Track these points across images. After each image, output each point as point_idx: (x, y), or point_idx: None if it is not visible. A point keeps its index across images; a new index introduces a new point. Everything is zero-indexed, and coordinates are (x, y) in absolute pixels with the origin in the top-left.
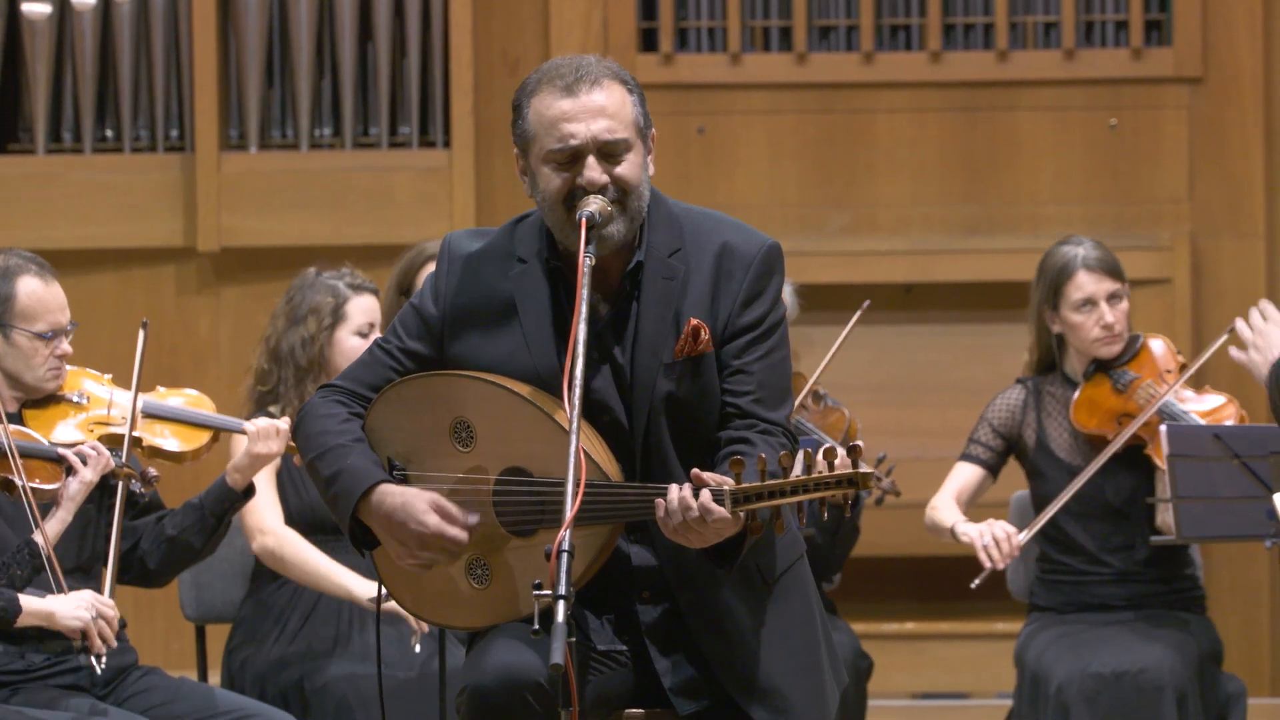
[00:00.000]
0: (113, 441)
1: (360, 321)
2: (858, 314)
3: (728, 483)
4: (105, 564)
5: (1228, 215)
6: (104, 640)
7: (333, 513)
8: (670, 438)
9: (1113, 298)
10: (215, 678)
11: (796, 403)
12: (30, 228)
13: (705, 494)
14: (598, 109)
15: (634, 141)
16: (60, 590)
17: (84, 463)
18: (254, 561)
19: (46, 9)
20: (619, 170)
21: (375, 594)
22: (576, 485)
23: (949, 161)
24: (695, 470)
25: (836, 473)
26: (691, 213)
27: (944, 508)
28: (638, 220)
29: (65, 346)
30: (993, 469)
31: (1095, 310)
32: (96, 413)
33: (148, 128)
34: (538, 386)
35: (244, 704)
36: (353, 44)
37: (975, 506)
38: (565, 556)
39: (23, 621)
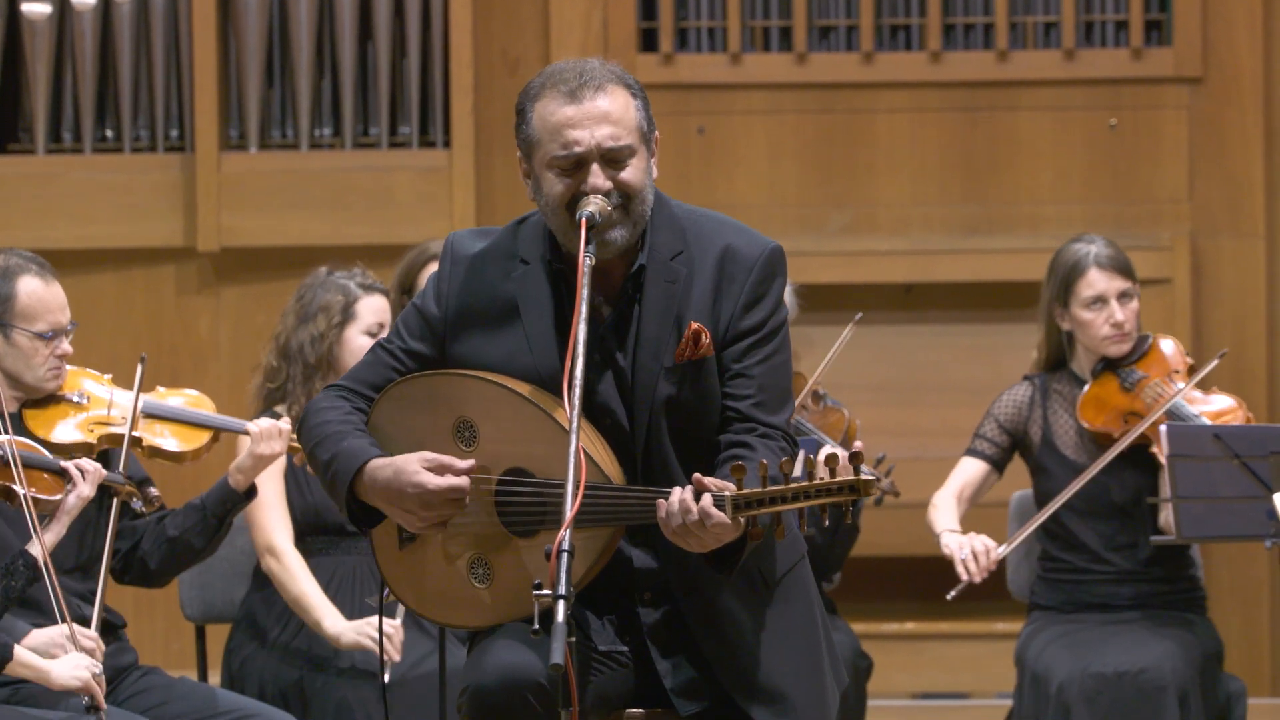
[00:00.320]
0: (112, 441)
1: (370, 321)
2: (850, 327)
3: (729, 488)
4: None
5: (1228, 215)
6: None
7: (331, 497)
8: (670, 441)
9: (1123, 296)
10: (215, 678)
11: (796, 403)
12: (30, 228)
13: (706, 498)
14: (601, 115)
15: (637, 146)
16: (57, 601)
17: (82, 478)
18: (255, 561)
19: (46, 9)
20: (623, 176)
21: (340, 635)
22: (576, 485)
23: (949, 161)
24: (697, 475)
25: (838, 479)
26: (694, 215)
27: (942, 507)
28: (641, 224)
29: (65, 346)
30: (998, 465)
31: (1106, 308)
32: (96, 413)
33: (148, 128)
34: (539, 388)
35: (244, 704)
36: (353, 44)
37: (975, 507)
38: (565, 556)
39: (15, 671)
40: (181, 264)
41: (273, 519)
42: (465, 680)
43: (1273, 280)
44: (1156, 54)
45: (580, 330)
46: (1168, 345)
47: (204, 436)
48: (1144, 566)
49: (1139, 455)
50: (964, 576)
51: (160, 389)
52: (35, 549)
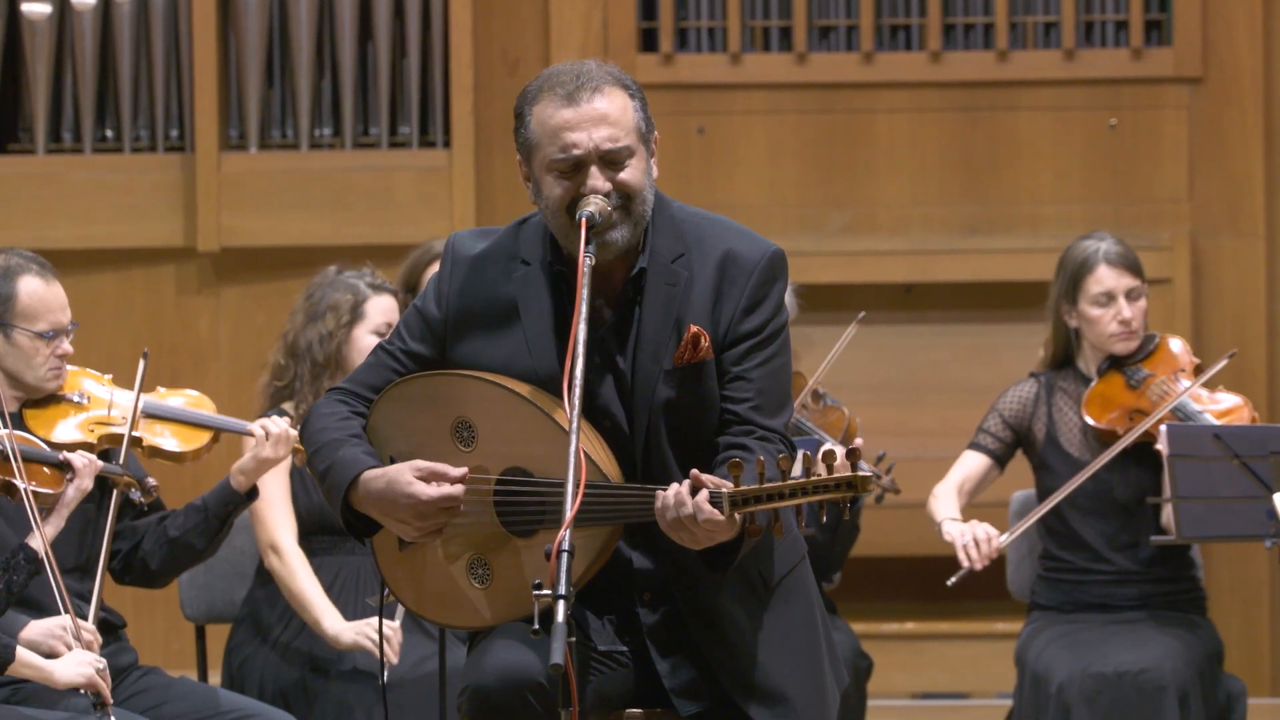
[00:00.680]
0: (112, 441)
1: (378, 321)
2: (853, 326)
3: (726, 485)
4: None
5: (1228, 215)
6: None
7: (329, 505)
8: (669, 443)
9: (1132, 294)
10: (215, 678)
11: (797, 402)
12: (30, 228)
13: (702, 494)
14: (599, 117)
15: (636, 147)
16: (60, 594)
17: (80, 469)
18: (255, 561)
19: (46, 9)
20: (622, 177)
21: (338, 635)
22: (576, 485)
23: (949, 161)
24: (694, 471)
25: (835, 476)
26: (696, 217)
27: (943, 497)
28: (641, 225)
29: (66, 346)
30: (1000, 460)
31: (1114, 305)
32: (97, 413)
33: (148, 128)
34: (539, 389)
35: (244, 704)
36: (353, 44)
37: (975, 506)
38: (565, 556)
39: (17, 671)
40: (181, 264)
41: (277, 516)
42: (465, 680)
43: (1273, 280)
44: (1156, 54)
45: (580, 330)
46: (1175, 344)
47: (204, 437)
48: (1145, 567)
49: (1143, 453)
50: (965, 563)
51: (161, 389)
52: (35, 542)
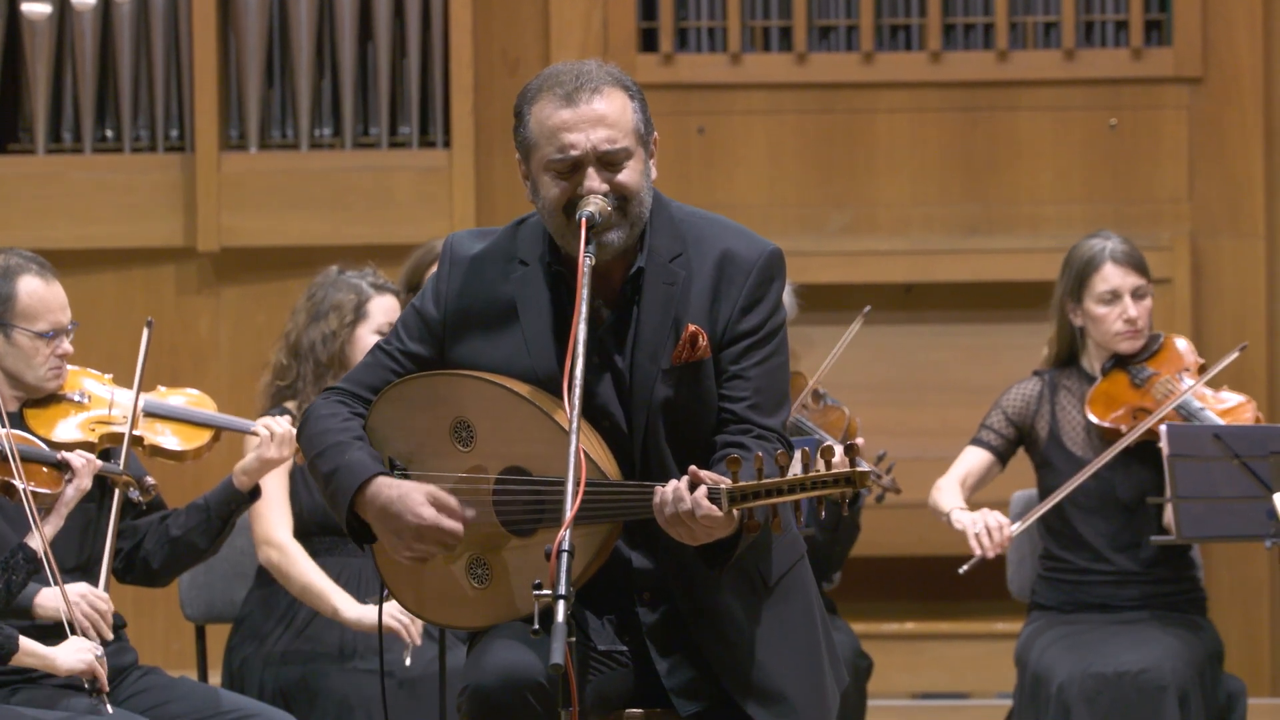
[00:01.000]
0: (113, 441)
1: (381, 321)
2: (858, 321)
3: (725, 481)
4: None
5: (1228, 215)
6: (98, 631)
7: (331, 509)
8: (668, 443)
9: (1137, 293)
10: (215, 677)
11: (798, 402)
12: (30, 228)
13: (701, 490)
14: (597, 118)
15: (634, 149)
16: (60, 594)
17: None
18: (256, 561)
19: (46, 9)
20: (620, 178)
21: (360, 619)
22: (576, 485)
23: (949, 161)
24: (693, 467)
25: (833, 471)
26: (694, 216)
27: (947, 490)
28: (639, 226)
29: (66, 346)
30: (1001, 456)
31: (1119, 304)
32: (97, 412)
33: (148, 128)
34: (538, 388)
35: (244, 704)
36: (353, 44)
37: (975, 504)
38: (565, 556)
39: (21, 661)
40: (181, 264)
41: (274, 512)
42: (465, 680)
43: (1273, 280)
44: (1156, 54)
45: (580, 330)
46: (1181, 344)
47: (205, 435)
48: (1146, 567)
49: (1146, 452)
50: (977, 551)
51: (161, 388)
52: (35, 542)
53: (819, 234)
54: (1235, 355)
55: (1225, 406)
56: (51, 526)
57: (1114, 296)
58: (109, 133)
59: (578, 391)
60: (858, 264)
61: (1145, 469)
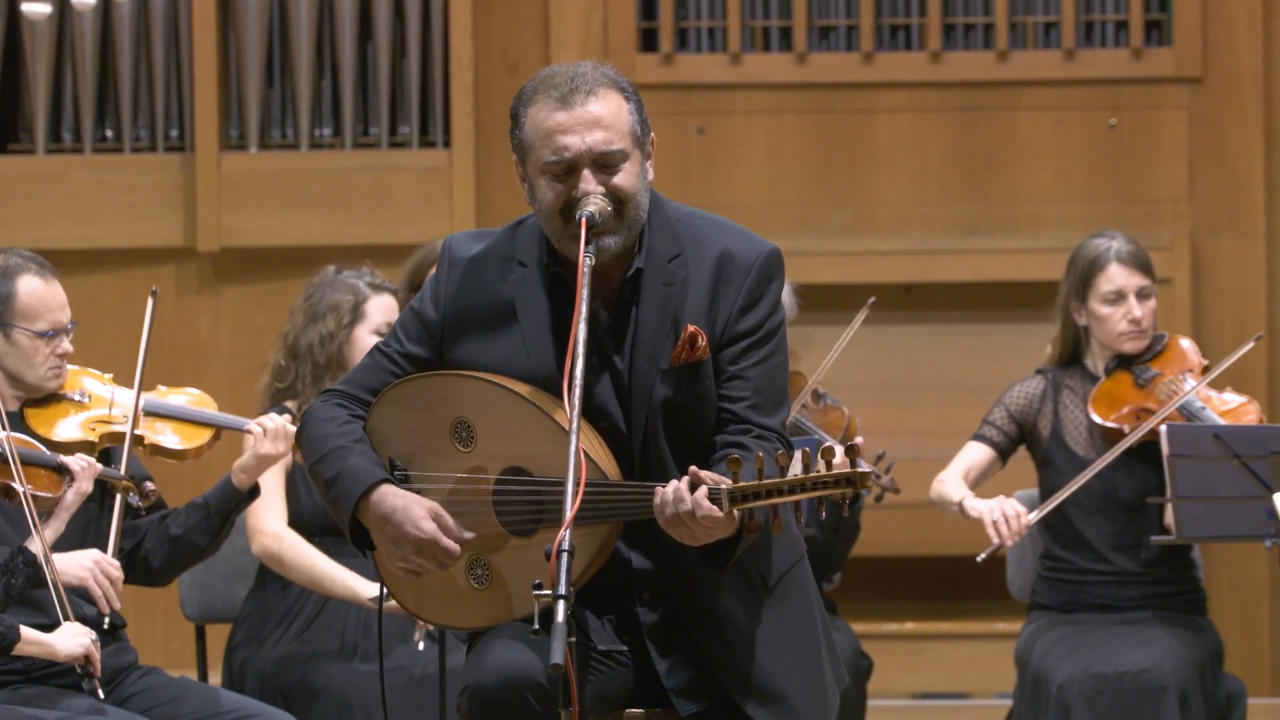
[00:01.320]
0: (114, 440)
1: (379, 321)
2: (864, 311)
3: (725, 482)
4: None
5: (1228, 215)
6: (109, 599)
7: (333, 514)
8: (667, 443)
9: (1142, 293)
10: (215, 678)
11: (798, 402)
12: (30, 228)
13: (701, 490)
14: (593, 120)
15: (630, 150)
16: (59, 598)
17: (79, 472)
18: (256, 561)
19: (46, 9)
20: (615, 181)
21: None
22: (577, 485)
23: (949, 161)
24: (693, 468)
25: (834, 472)
26: (692, 217)
27: (951, 482)
28: (636, 229)
29: (66, 345)
30: (1003, 453)
31: (1124, 304)
32: (97, 412)
33: (148, 128)
34: (537, 388)
35: (245, 704)
36: (353, 44)
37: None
38: (565, 556)
39: (22, 650)
40: (181, 264)
41: (267, 503)
42: (465, 680)
43: (1273, 280)
44: (1156, 54)
45: (580, 330)
46: (1185, 344)
47: (205, 434)
48: (1147, 568)
49: (1149, 452)
50: (994, 539)
51: (161, 387)
52: (35, 546)
53: (819, 234)
54: (1251, 345)
55: (1229, 407)
56: (53, 530)
57: (1119, 297)
58: (109, 133)
59: (578, 391)
60: (858, 264)
61: (1147, 469)
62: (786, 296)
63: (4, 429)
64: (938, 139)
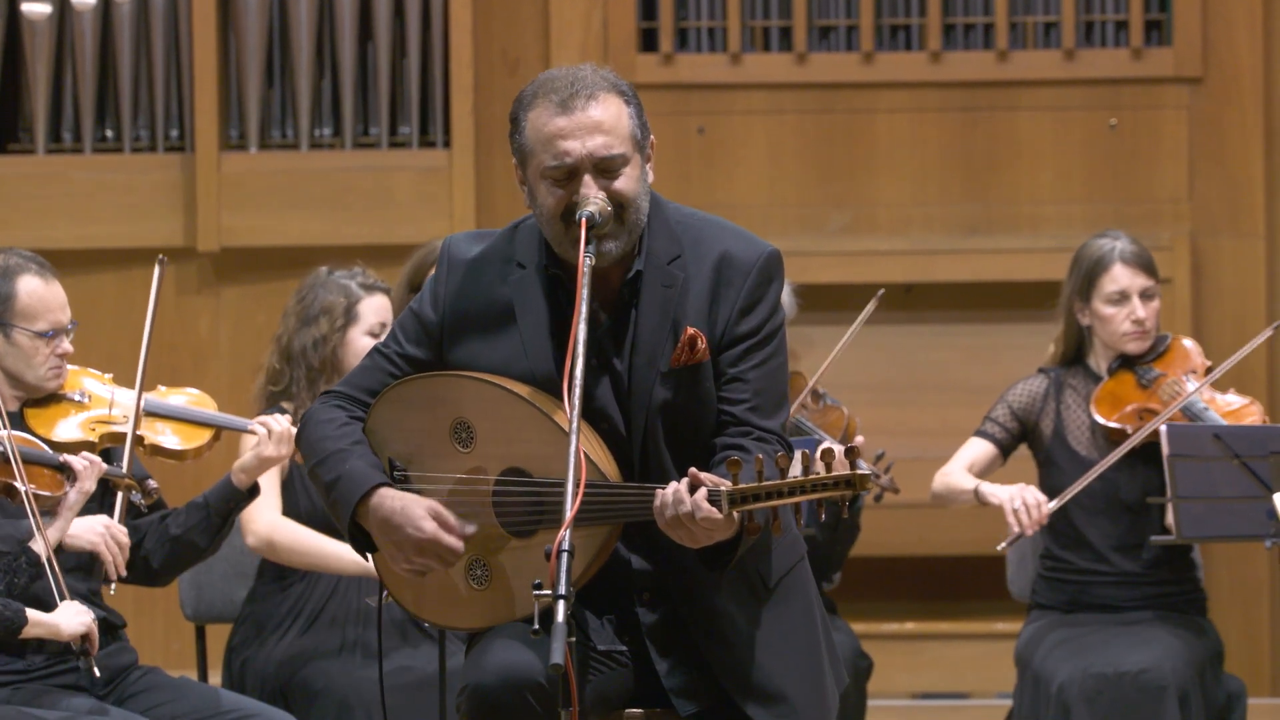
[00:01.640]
0: (114, 440)
1: (372, 321)
2: (873, 303)
3: (725, 484)
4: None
5: (1228, 215)
6: (117, 566)
7: (333, 517)
8: (667, 446)
9: (1146, 294)
10: (215, 678)
11: (797, 402)
12: (30, 228)
13: (701, 492)
14: (593, 125)
15: (631, 154)
16: (62, 596)
17: (82, 471)
18: (257, 561)
19: (46, 9)
20: (616, 185)
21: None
22: (576, 485)
23: (949, 161)
24: (693, 469)
25: (834, 474)
26: (692, 218)
27: (957, 473)
28: (636, 233)
29: (66, 345)
30: (1004, 449)
31: (1128, 304)
32: (98, 412)
33: (148, 128)
34: (537, 389)
35: (245, 704)
36: (353, 44)
37: (976, 505)
38: (565, 556)
39: (28, 632)
40: (181, 264)
41: (262, 499)
42: (465, 680)
43: (1273, 280)
44: (1156, 54)
45: (580, 330)
46: (1188, 344)
47: (205, 435)
48: (1148, 569)
49: (1151, 453)
50: (1015, 528)
51: (161, 388)
52: (38, 545)
53: (819, 234)
54: (1269, 334)
55: (1231, 408)
56: (58, 530)
57: (1122, 297)
58: (109, 133)
59: (578, 392)
60: (858, 264)
61: (1150, 470)
62: (786, 297)
63: (5, 428)
64: (938, 139)
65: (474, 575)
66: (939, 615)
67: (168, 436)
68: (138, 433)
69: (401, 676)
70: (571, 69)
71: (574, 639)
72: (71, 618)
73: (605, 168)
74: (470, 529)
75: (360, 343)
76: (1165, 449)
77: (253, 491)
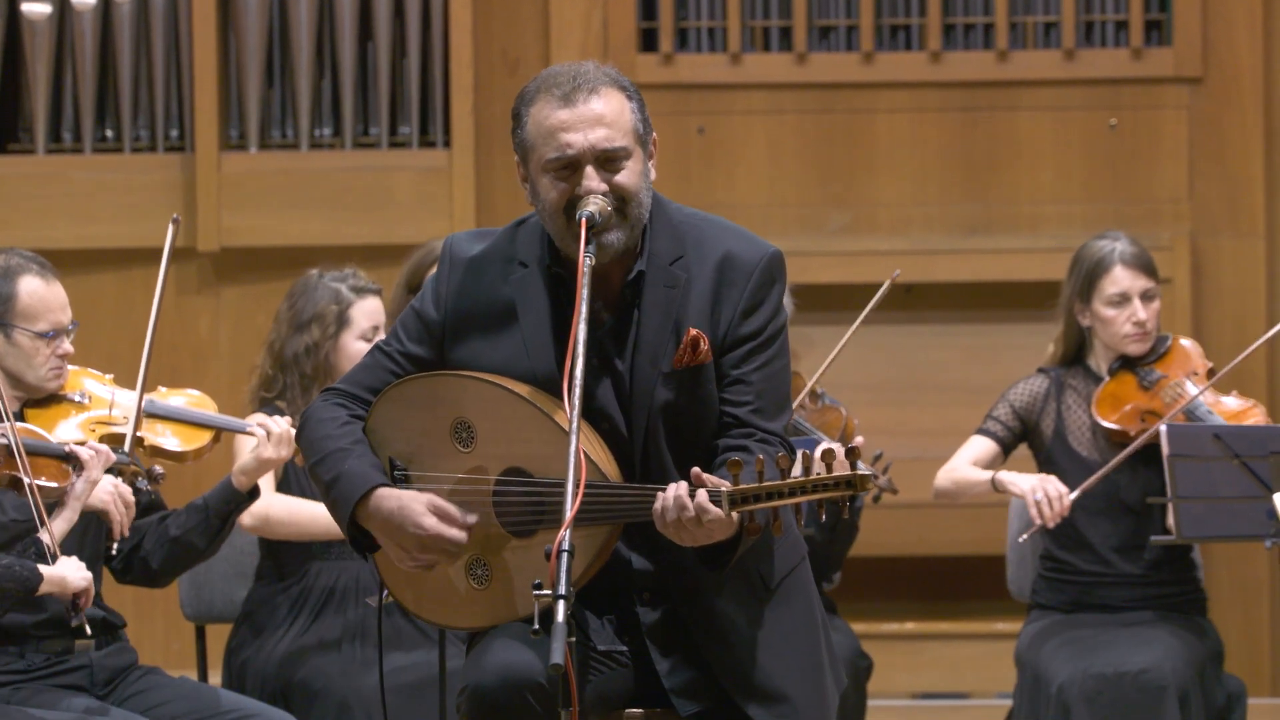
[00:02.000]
0: (115, 440)
1: (364, 325)
2: (887, 284)
3: (725, 484)
4: (105, 562)
5: (1228, 215)
6: (121, 525)
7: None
8: (668, 447)
9: (1146, 295)
10: (215, 678)
11: (795, 403)
12: (30, 228)
13: (702, 494)
14: (595, 118)
15: (633, 149)
16: (51, 541)
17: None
18: (257, 560)
19: (46, 9)
20: (618, 179)
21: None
22: (576, 485)
23: (949, 161)
24: (695, 470)
25: (834, 475)
26: (694, 219)
27: (964, 468)
28: (638, 228)
29: (66, 346)
30: (1006, 448)
31: (1128, 306)
32: (98, 412)
33: (148, 128)
34: (538, 389)
35: (245, 704)
36: (353, 44)
37: (976, 503)
38: (565, 556)
39: (42, 590)
40: (181, 264)
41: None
42: (465, 680)
43: (1273, 280)
44: (1156, 54)
45: (580, 330)
46: (1189, 345)
47: (205, 436)
48: (1149, 570)
49: (1152, 453)
50: (1037, 520)
51: (162, 389)
52: (45, 537)
53: (819, 234)
54: (1277, 330)
55: (1233, 410)
56: (65, 522)
57: (1123, 299)
58: (109, 133)
59: (578, 392)
60: (858, 264)
61: (1150, 471)
62: (784, 298)
63: (8, 419)
64: (938, 139)
65: (474, 575)
66: (939, 615)
67: (168, 438)
68: (137, 434)
69: (401, 677)
70: (574, 65)
71: (574, 639)
72: (74, 571)
73: (607, 160)
74: (472, 518)
75: (353, 347)
76: (1165, 449)
77: (253, 494)
